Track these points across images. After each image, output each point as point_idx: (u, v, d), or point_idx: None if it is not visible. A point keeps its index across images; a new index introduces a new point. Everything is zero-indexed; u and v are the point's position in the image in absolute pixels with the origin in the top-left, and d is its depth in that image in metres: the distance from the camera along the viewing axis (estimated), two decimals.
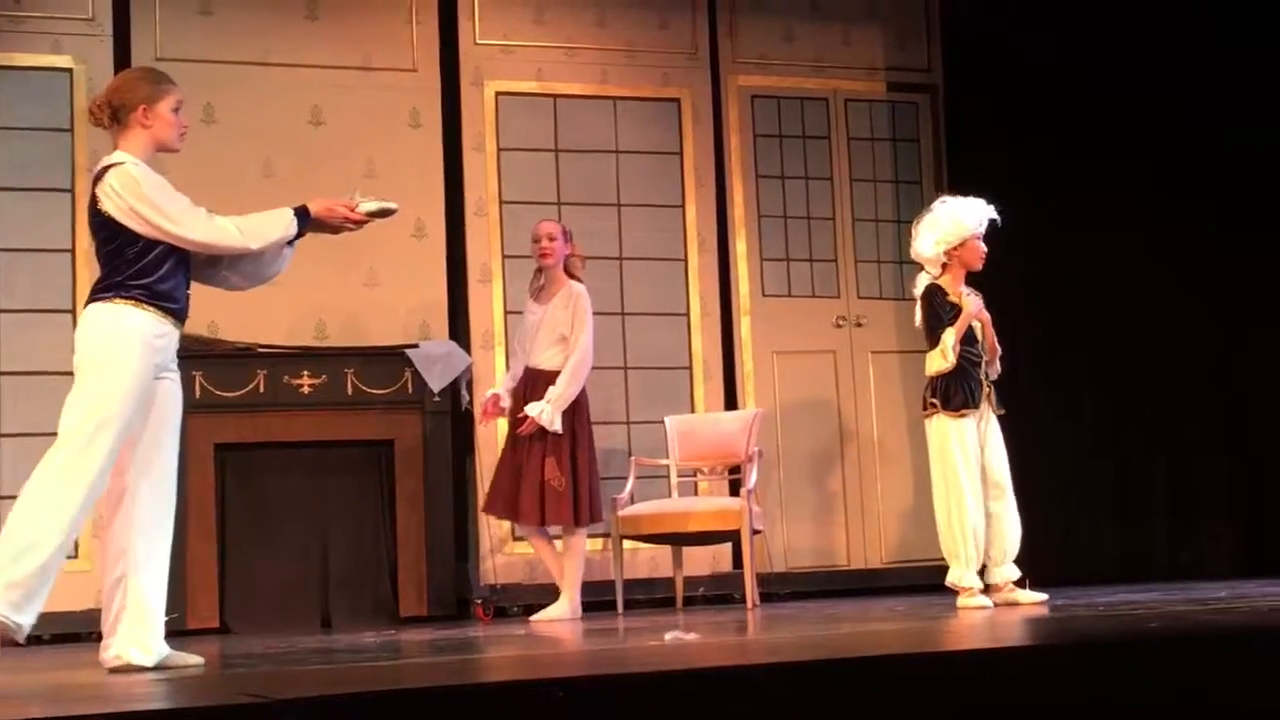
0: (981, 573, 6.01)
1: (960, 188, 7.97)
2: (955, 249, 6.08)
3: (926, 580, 8.19)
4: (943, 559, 8.36)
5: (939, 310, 6.04)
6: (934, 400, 6.02)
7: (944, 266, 6.12)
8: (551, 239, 6.97)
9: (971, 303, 6.02)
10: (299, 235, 4.49)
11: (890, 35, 8.77)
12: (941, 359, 5.97)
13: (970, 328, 6.02)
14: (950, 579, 5.99)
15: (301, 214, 4.47)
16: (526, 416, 6.75)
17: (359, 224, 4.58)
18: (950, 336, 5.95)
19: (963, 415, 5.96)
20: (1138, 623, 4.10)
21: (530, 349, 6.96)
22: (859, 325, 8.53)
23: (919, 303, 6.19)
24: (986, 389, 6.06)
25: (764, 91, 8.54)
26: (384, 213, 4.59)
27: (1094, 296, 8.18)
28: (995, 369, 6.12)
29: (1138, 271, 8.35)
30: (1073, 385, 8.18)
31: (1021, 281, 7.74)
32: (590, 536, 7.54)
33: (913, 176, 8.74)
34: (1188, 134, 8.40)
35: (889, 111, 8.76)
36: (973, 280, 6.17)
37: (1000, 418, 6.11)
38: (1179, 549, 8.44)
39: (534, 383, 6.88)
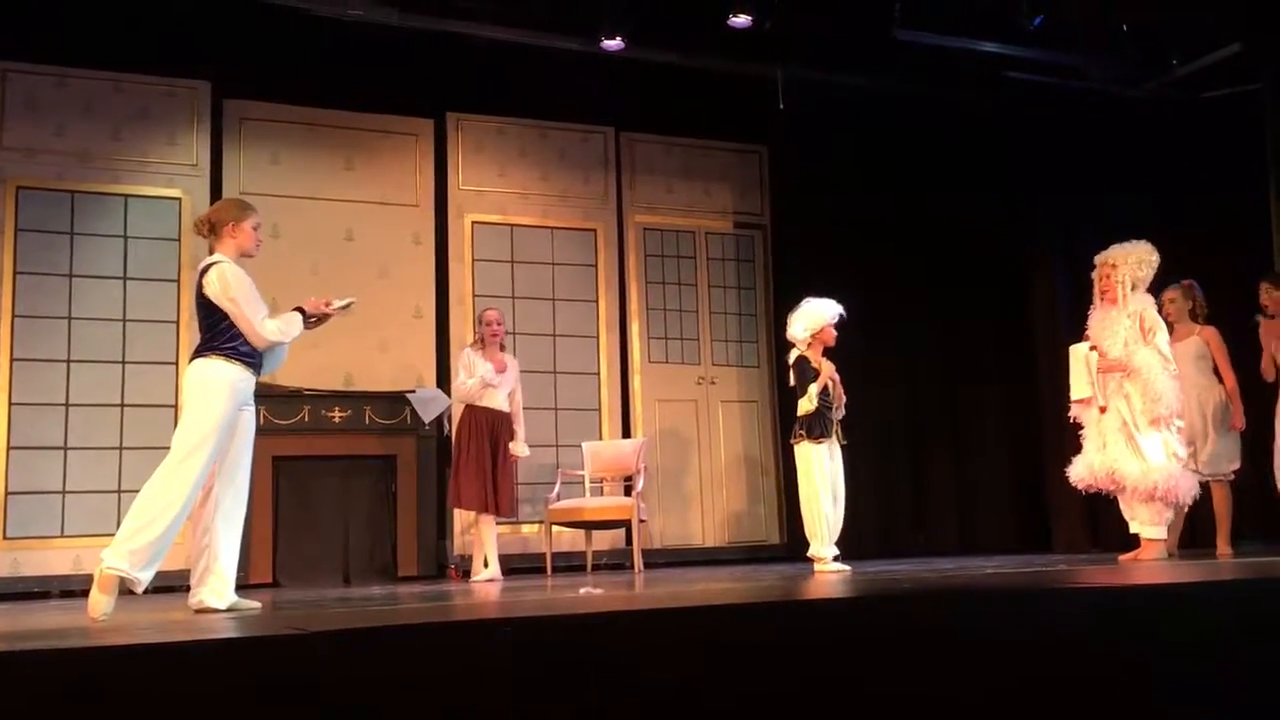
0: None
1: (781, 293, 8.13)
2: (816, 333, 6.09)
3: (749, 556, 8.27)
4: (760, 541, 8.51)
5: (805, 373, 6.02)
6: (801, 431, 5.97)
7: (808, 344, 6.05)
8: (499, 323, 6.90)
9: (827, 367, 6.01)
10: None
11: (735, 191, 8.88)
12: (808, 403, 5.94)
13: (826, 384, 6.01)
14: (810, 552, 5.91)
15: (300, 312, 4.43)
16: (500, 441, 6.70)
17: (331, 311, 4.49)
18: (813, 389, 5.93)
19: (819, 442, 5.93)
20: (896, 583, 4.16)
21: (494, 387, 6.72)
22: (713, 383, 8.59)
23: (791, 368, 6.11)
24: (835, 426, 6.00)
25: (652, 226, 8.61)
26: (348, 306, 4.54)
27: (876, 355, 8.25)
28: (841, 411, 6.03)
29: (901, 335, 8.53)
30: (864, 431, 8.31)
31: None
32: (527, 522, 7.52)
33: (750, 284, 8.83)
34: (918, 265, 8.61)
35: (735, 241, 8.85)
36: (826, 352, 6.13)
37: (844, 446, 6.04)
38: (919, 533, 8.55)
39: (494, 420, 6.72)
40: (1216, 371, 6.21)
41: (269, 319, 4.31)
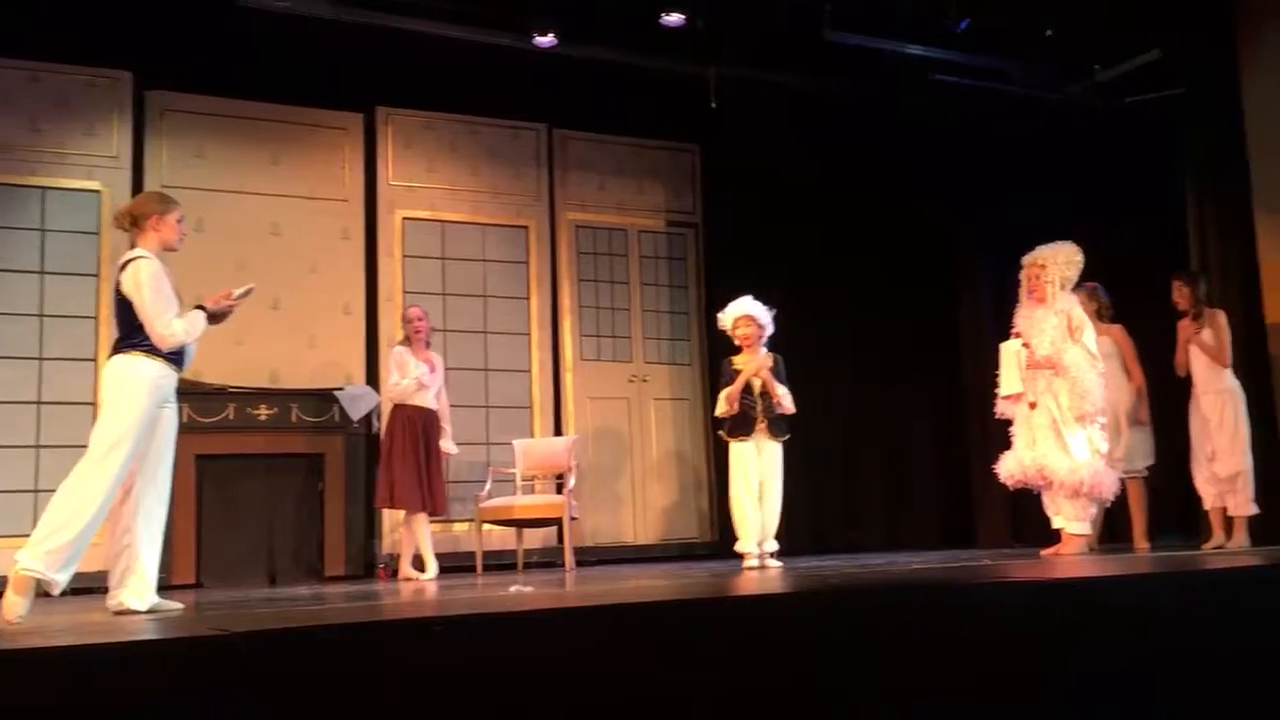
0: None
1: (713, 291, 8.18)
2: (731, 332, 6.15)
3: (682, 553, 8.30)
4: (692, 538, 8.56)
5: (722, 377, 6.08)
6: (721, 431, 6.07)
7: (737, 343, 6.11)
8: (420, 320, 6.83)
9: (750, 368, 5.99)
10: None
11: (668, 189, 8.90)
12: (719, 406, 6.03)
13: (749, 382, 6.02)
14: (737, 548, 5.95)
15: (203, 309, 4.34)
16: (431, 439, 6.69)
17: (234, 303, 4.37)
18: (724, 394, 5.98)
19: (741, 440, 5.98)
20: (826, 579, 4.20)
21: (427, 387, 6.71)
22: (645, 381, 8.60)
23: None
24: (762, 423, 5.95)
25: (584, 223, 8.60)
26: (247, 293, 4.41)
27: (806, 353, 8.25)
28: (783, 409, 5.98)
29: (831, 334, 8.57)
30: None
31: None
32: (457, 520, 7.49)
33: (682, 283, 8.85)
34: (848, 265, 8.71)
35: (667, 240, 8.87)
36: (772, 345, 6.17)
37: (785, 442, 6.02)
38: (848, 529, 8.64)
39: (425, 418, 6.71)
40: (1127, 370, 6.40)
41: (176, 319, 4.22)
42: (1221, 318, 6.16)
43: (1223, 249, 7.06)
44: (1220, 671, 2.90)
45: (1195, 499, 6.33)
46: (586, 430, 8.24)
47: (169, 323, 4.19)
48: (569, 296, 8.43)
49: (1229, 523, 6.07)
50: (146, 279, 4.18)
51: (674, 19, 7.16)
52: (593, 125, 8.61)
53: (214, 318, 4.36)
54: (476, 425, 7.85)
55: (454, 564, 7.21)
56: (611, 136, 8.69)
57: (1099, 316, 6.38)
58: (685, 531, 8.52)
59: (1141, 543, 6.33)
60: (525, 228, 8.36)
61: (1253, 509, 6.00)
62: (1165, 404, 6.80)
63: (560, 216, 8.50)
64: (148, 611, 4.08)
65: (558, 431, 8.14)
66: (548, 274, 8.38)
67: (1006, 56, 7.93)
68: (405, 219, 7.99)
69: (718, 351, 6.56)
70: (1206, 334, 6.12)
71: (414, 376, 6.67)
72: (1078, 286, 6.28)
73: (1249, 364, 6.33)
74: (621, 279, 8.65)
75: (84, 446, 4.08)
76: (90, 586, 5.64)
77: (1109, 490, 5.80)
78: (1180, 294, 6.26)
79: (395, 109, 8.05)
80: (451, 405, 7.08)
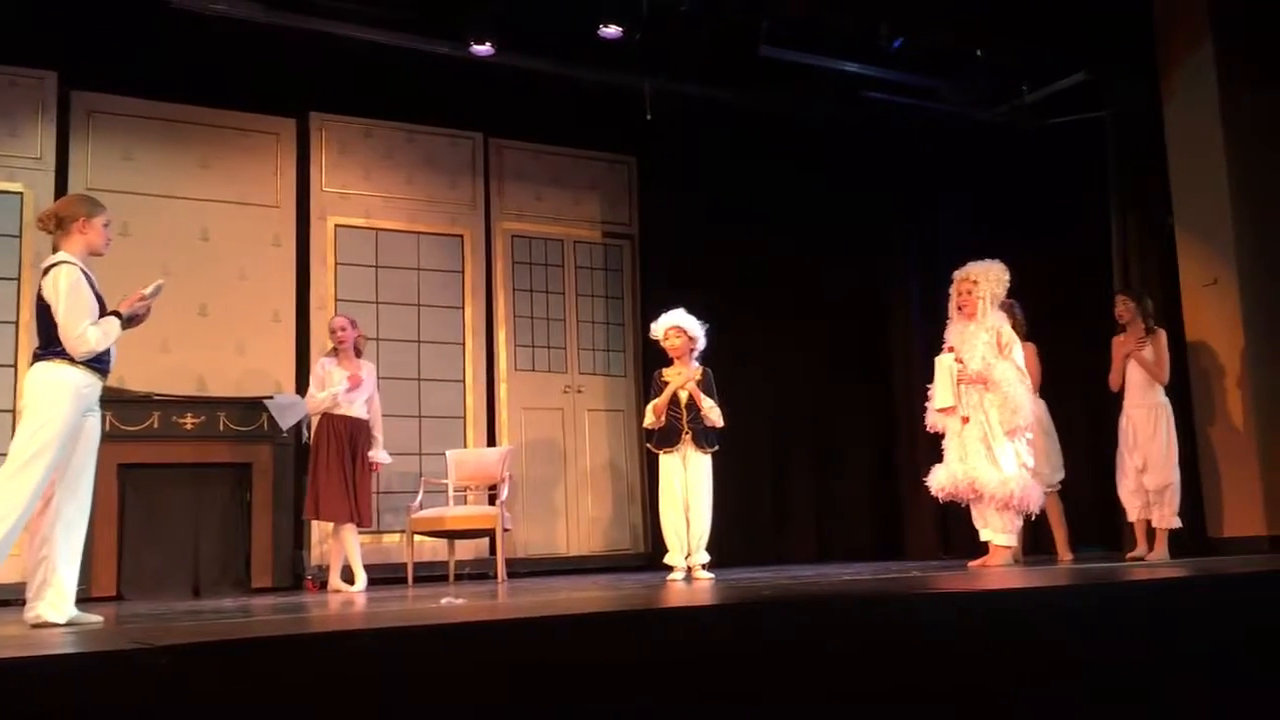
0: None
1: (648, 303, 8.19)
2: (662, 343, 6.19)
3: (615, 565, 8.28)
4: (626, 550, 8.56)
5: (652, 389, 6.17)
6: (649, 444, 6.14)
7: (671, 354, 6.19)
8: (343, 329, 6.77)
9: (677, 380, 6.06)
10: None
11: (605, 201, 8.90)
12: (646, 418, 6.14)
13: (676, 395, 6.07)
14: (665, 560, 6.03)
15: (118, 314, 4.25)
16: (359, 449, 6.61)
17: (147, 303, 4.28)
18: (650, 405, 6.08)
19: (667, 453, 6.02)
20: (758, 590, 4.21)
21: (342, 404, 6.62)
22: (579, 391, 8.58)
23: None
24: (687, 435, 6.01)
25: (520, 233, 8.56)
26: (157, 290, 4.33)
27: (740, 366, 8.30)
28: (709, 421, 6.04)
29: (765, 347, 8.63)
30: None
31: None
32: (388, 531, 7.39)
33: (618, 294, 8.86)
34: (783, 278, 8.78)
35: (603, 251, 8.86)
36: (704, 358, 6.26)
37: (715, 454, 6.08)
38: (779, 541, 8.68)
39: (353, 428, 6.64)
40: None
41: (91, 326, 4.12)
42: (1163, 336, 6.30)
43: (1144, 268, 7.24)
44: (1142, 680, 2.96)
45: (1116, 511, 6.46)
46: (520, 441, 8.19)
47: (83, 331, 4.09)
48: (504, 306, 8.38)
49: (1151, 535, 6.20)
50: (65, 285, 4.09)
51: (612, 31, 7.17)
52: (530, 135, 8.58)
53: (130, 321, 4.26)
54: (409, 435, 7.77)
55: (384, 575, 7.13)
56: (548, 147, 8.67)
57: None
58: (619, 543, 8.51)
59: (1065, 554, 6.45)
60: (460, 237, 8.30)
61: (1176, 522, 6.13)
62: (1085, 418, 6.93)
63: (496, 226, 8.46)
64: (66, 624, 3.97)
65: (491, 442, 8.08)
66: (482, 283, 8.32)
67: (938, 75, 8.06)
68: (338, 226, 7.89)
69: (652, 363, 6.57)
70: (1149, 351, 6.24)
71: (330, 392, 6.60)
72: None
73: (1171, 381, 6.47)
74: (557, 289, 8.63)
75: (3, 455, 3.98)
76: (7, 598, 5.49)
77: (1035, 503, 5.90)
78: (1125, 308, 6.37)
79: (329, 115, 7.95)
80: (384, 415, 7.00)
